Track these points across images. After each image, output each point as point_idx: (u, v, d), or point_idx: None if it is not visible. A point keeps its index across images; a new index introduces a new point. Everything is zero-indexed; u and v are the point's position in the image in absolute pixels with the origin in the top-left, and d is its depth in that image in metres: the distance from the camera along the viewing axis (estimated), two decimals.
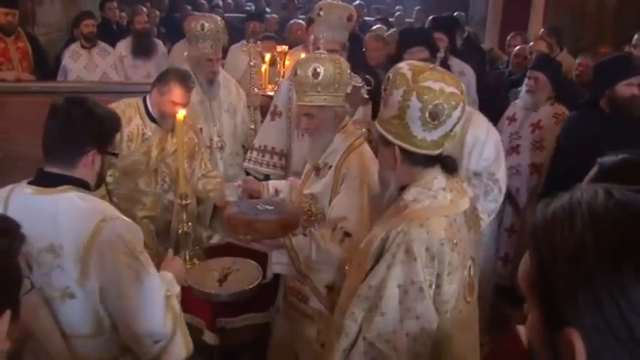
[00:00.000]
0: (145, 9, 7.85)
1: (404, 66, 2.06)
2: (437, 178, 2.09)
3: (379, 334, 2.00)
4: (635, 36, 5.43)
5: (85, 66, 6.38)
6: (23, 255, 2.05)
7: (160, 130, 3.65)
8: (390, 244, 2.01)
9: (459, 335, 2.11)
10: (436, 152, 2.07)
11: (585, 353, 0.94)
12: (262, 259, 3.40)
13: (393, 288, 1.98)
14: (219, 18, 4.30)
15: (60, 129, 2.19)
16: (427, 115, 1.98)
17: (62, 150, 2.20)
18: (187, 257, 3.34)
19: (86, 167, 2.24)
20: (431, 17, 6.34)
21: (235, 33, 7.41)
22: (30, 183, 2.20)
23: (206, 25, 4.06)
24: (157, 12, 9.83)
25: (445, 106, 1.96)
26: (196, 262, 3.35)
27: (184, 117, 3.28)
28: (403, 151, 2.07)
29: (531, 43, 6.20)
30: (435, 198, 2.06)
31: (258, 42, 4.82)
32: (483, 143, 3.60)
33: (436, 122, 1.98)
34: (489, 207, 3.62)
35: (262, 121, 4.40)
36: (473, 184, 3.49)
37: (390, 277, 1.99)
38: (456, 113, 1.99)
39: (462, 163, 3.55)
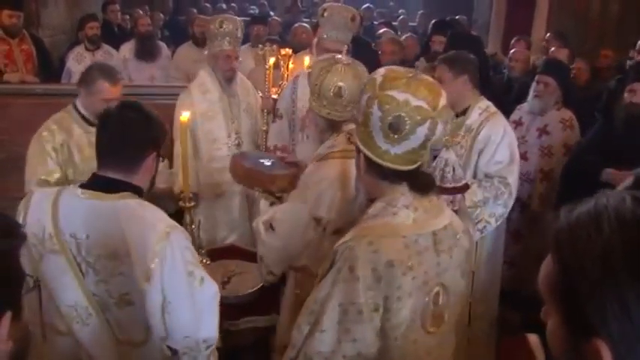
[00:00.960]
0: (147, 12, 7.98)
1: (380, 71, 1.94)
2: (404, 195, 1.94)
3: (318, 352, 1.92)
4: (639, 42, 5.40)
5: None
6: (81, 260, 2.10)
7: None
8: (338, 258, 1.91)
9: None
10: (403, 168, 1.92)
11: None
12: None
13: (334, 306, 1.88)
14: (238, 18, 4.37)
15: (121, 134, 2.16)
16: (387, 126, 1.85)
17: (124, 155, 2.17)
18: None
19: (146, 171, 2.24)
20: (433, 21, 6.34)
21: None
22: (83, 187, 2.17)
23: (224, 23, 4.12)
24: (161, 15, 9.89)
25: (407, 119, 1.82)
26: (200, 264, 3.35)
27: (188, 119, 3.29)
28: (367, 159, 1.95)
29: (552, 49, 6.11)
30: (395, 216, 1.92)
31: (274, 45, 4.78)
32: (497, 145, 3.56)
33: (396, 136, 1.85)
34: (498, 211, 3.57)
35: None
36: (483, 185, 3.48)
37: (332, 294, 1.89)
38: (422, 130, 1.83)
39: (470, 160, 3.60)
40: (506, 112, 4.77)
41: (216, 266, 3.32)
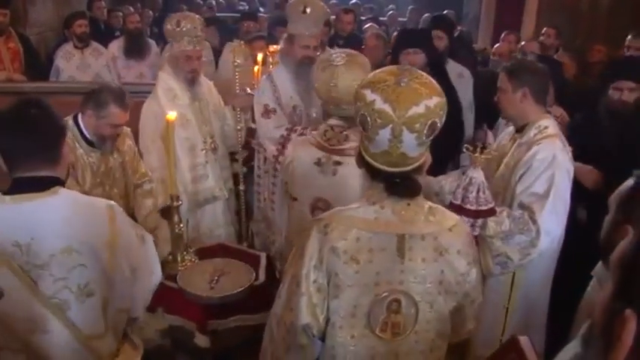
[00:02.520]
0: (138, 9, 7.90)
1: (381, 69, 2.02)
2: (377, 192, 2.00)
3: (275, 312, 2.13)
4: (629, 37, 5.38)
5: (77, 66, 6.30)
6: (30, 268, 2.06)
7: (102, 156, 3.55)
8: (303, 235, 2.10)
9: None
10: (382, 167, 1.97)
11: (635, 334, 1.04)
12: (254, 260, 3.41)
13: (289, 276, 2.07)
14: (197, 16, 4.20)
15: (38, 132, 2.15)
16: (358, 121, 1.97)
17: (43, 151, 2.17)
18: (180, 259, 3.35)
19: (65, 160, 2.26)
20: (430, 15, 6.29)
21: (229, 32, 7.38)
22: (8, 193, 2.12)
23: (182, 22, 3.95)
24: (150, 12, 9.82)
25: (369, 120, 1.90)
26: (189, 263, 3.35)
27: (175, 118, 3.29)
28: (360, 150, 2.07)
29: (522, 43, 6.17)
30: (358, 209, 2.01)
31: (241, 42, 4.73)
32: (540, 173, 3.03)
33: (366, 133, 1.96)
34: (523, 248, 3.02)
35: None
36: (513, 216, 2.99)
37: (291, 266, 2.09)
38: (385, 134, 1.89)
39: (509, 184, 3.17)
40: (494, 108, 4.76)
41: (205, 265, 3.31)
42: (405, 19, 10.70)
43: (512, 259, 3.01)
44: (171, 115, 3.19)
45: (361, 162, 2.05)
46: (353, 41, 6.40)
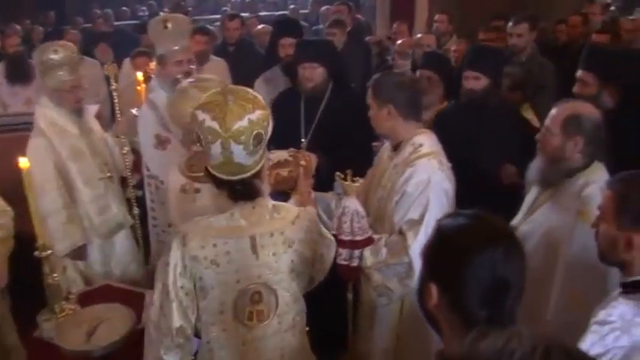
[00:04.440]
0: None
1: (217, 90, 2.21)
2: (224, 201, 2.26)
3: (152, 320, 2.33)
4: (510, 23, 5.39)
5: None
6: None
7: None
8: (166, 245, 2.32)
9: (219, 352, 2.36)
10: (223, 177, 2.20)
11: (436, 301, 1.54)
12: (139, 301, 3.25)
13: (159, 284, 2.28)
14: (69, 43, 3.95)
15: None
16: (195, 138, 2.22)
17: None
18: (58, 310, 3.15)
19: None
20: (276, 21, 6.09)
21: (131, 42, 7.06)
22: None
23: (59, 51, 3.70)
24: (41, 28, 9.37)
25: (202, 137, 2.13)
26: (69, 312, 3.16)
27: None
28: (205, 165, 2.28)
29: (419, 35, 6.14)
30: (211, 219, 2.26)
31: (114, 64, 4.47)
32: (414, 199, 2.87)
33: (203, 149, 2.18)
34: (401, 279, 2.87)
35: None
36: (390, 244, 2.87)
37: (159, 274, 2.29)
38: (216, 148, 2.12)
39: (386, 211, 3.01)
40: None
41: (84, 314, 3.12)
42: (307, 11, 10.65)
43: (392, 289, 2.89)
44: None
45: (207, 174, 2.27)
46: (244, 47, 6.25)
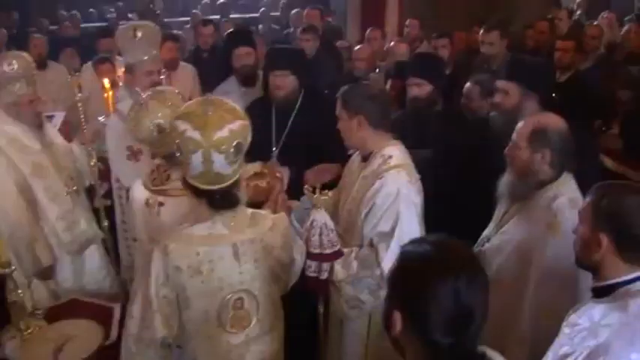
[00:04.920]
0: None
1: (196, 100, 2.32)
2: (204, 212, 2.30)
3: (132, 333, 2.34)
4: (481, 30, 5.41)
5: None
6: None
7: None
8: (145, 256, 2.37)
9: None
10: (203, 187, 2.25)
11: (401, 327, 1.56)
12: (107, 315, 3.18)
13: (139, 296, 2.31)
14: (24, 54, 3.75)
15: None
16: (175, 148, 2.24)
17: None
18: (24, 327, 3.06)
19: None
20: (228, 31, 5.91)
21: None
22: None
23: (14, 63, 3.53)
24: (5, 31, 9.14)
25: (182, 147, 2.18)
26: (34, 330, 3.08)
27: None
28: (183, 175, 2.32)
29: (392, 43, 6.11)
30: (192, 227, 2.31)
31: (77, 73, 4.35)
32: (383, 211, 2.86)
33: (183, 159, 2.21)
34: (373, 291, 2.86)
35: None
36: (361, 256, 2.87)
37: (139, 286, 2.33)
38: (197, 158, 2.16)
39: (355, 224, 2.99)
40: None
41: (50, 331, 3.05)
42: (278, 14, 10.60)
43: (364, 301, 2.90)
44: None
45: (185, 185, 2.32)
46: (218, 52, 6.17)
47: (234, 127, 2.17)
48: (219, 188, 2.26)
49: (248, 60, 4.57)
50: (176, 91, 2.94)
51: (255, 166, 3.27)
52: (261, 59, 4.69)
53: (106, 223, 4.15)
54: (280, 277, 2.53)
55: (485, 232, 3.00)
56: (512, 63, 3.72)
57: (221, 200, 2.30)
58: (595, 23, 6.66)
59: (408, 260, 1.60)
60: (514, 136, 2.78)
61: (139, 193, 2.91)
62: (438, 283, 1.49)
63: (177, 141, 2.19)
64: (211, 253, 2.29)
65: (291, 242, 2.55)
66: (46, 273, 3.71)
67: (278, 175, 3.21)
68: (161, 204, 2.82)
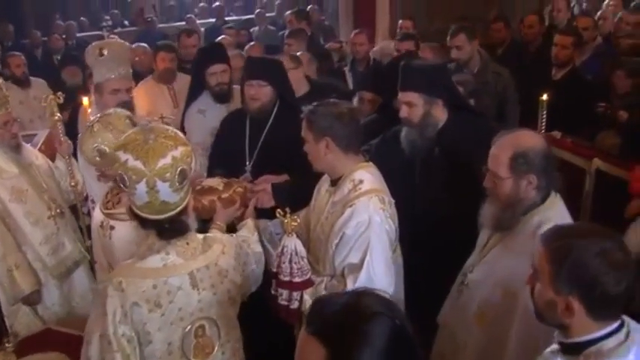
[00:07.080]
0: None
1: (135, 129, 2.28)
2: (155, 243, 2.25)
3: None
4: (448, 37, 5.25)
5: None
6: None
7: None
8: (97, 294, 2.32)
9: None
10: (150, 217, 2.21)
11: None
12: (79, 348, 3.09)
13: (97, 337, 2.21)
14: None
15: None
16: (118, 179, 2.21)
17: None
18: None
19: None
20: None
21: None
22: None
23: None
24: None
25: (125, 177, 2.13)
26: None
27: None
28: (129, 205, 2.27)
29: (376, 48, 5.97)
30: (145, 260, 2.24)
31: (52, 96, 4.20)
32: (354, 241, 2.72)
33: (127, 190, 2.17)
34: None
35: None
36: (330, 287, 2.75)
37: (94, 327, 2.23)
38: (141, 187, 2.13)
39: (327, 252, 2.84)
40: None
41: None
42: (274, 14, 10.55)
43: None
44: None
45: (132, 215, 2.27)
46: (192, 69, 6.03)
47: (176, 153, 2.14)
48: (167, 217, 2.22)
49: (223, 78, 4.41)
50: (125, 114, 2.86)
51: (215, 181, 3.20)
52: None
53: (88, 243, 4.06)
54: (236, 299, 2.50)
55: (469, 261, 2.79)
56: (406, 72, 3.35)
57: (170, 230, 2.26)
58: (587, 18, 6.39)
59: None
60: (490, 165, 2.52)
61: (97, 215, 2.91)
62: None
63: (119, 171, 2.15)
64: (168, 284, 2.25)
65: (244, 259, 2.55)
66: (32, 298, 3.64)
67: (239, 189, 3.15)
68: (112, 227, 2.80)
